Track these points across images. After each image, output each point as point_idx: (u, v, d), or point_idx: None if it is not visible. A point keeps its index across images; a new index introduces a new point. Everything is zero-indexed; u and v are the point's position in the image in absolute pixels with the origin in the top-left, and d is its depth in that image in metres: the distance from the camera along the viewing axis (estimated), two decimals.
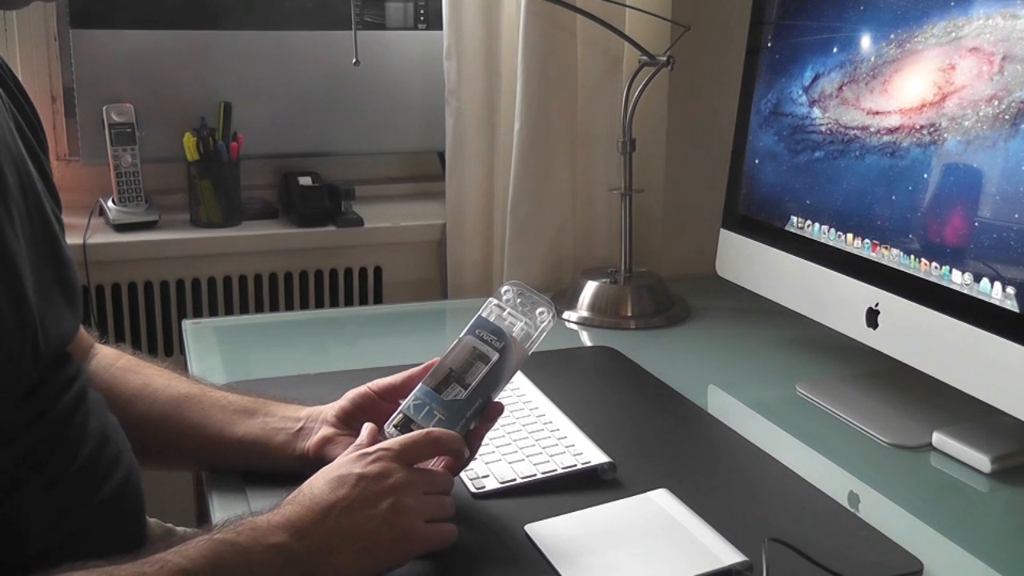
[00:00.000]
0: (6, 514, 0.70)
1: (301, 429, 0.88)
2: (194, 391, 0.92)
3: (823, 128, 1.12)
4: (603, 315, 1.39)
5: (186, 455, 0.92)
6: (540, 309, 0.85)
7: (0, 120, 0.75)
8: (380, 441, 0.79)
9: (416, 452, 0.78)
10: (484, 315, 0.85)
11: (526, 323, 0.84)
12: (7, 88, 0.83)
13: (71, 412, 0.77)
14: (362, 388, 0.89)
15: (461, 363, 0.83)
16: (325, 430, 0.87)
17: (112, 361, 0.95)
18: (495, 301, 0.86)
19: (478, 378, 0.82)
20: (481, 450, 0.92)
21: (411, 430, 0.80)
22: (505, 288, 0.86)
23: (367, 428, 0.82)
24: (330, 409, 0.89)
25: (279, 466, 0.87)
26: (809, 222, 1.14)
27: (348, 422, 0.88)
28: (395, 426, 0.82)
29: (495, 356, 0.83)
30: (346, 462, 0.76)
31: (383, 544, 0.72)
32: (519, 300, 0.86)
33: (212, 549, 0.66)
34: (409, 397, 0.84)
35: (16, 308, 0.69)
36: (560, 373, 1.15)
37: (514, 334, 0.84)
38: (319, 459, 0.84)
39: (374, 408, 0.87)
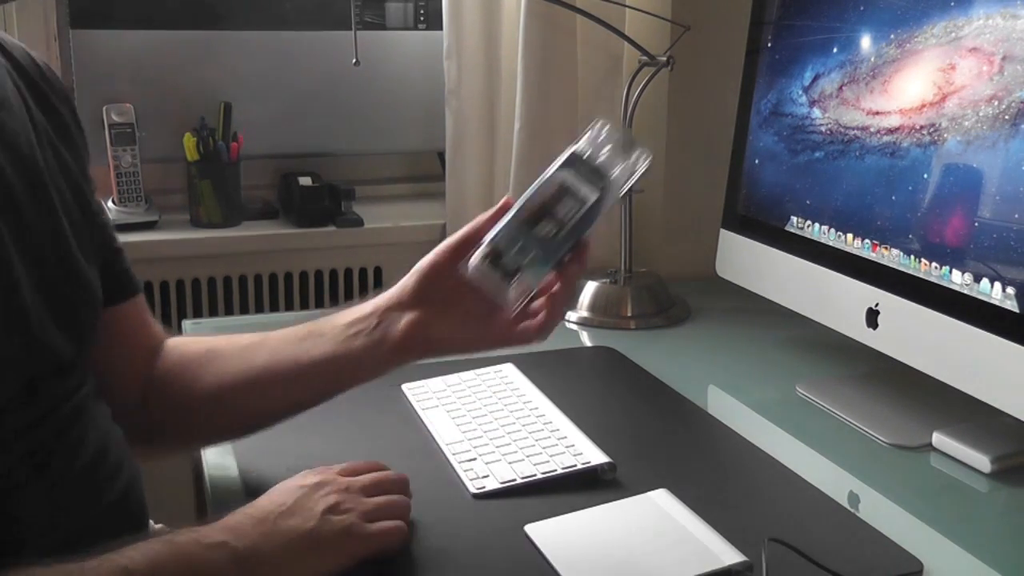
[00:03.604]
0: (5, 516, 0.70)
1: (378, 325, 0.83)
2: (256, 339, 0.89)
3: (823, 128, 1.12)
4: (603, 315, 1.39)
5: (269, 400, 0.87)
6: (637, 150, 0.78)
7: (15, 127, 0.73)
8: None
9: (367, 479, 0.80)
10: (579, 151, 0.78)
11: (623, 163, 0.78)
12: (36, 91, 0.80)
13: (68, 423, 0.76)
14: (428, 259, 0.83)
15: (555, 200, 0.77)
16: (410, 315, 0.82)
17: (176, 345, 0.93)
18: (589, 137, 0.79)
19: (575, 217, 0.76)
20: (481, 450, 0.93)
21: (500, 265, 0.75)
22: (599, 126, 0.79)
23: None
24: (401, 293, 0.83)
25: (373, 371, 0.84)
26: (809, 222, 1.14)
27: (425, 298, 0.82)
28: (484, 258, 0.76)
29: (593, 195, 0.77)
30: (289, 481, 0.78)
31: (323, 544, 0.73)
32: (613, 139, 0.79)
33: (151, 547, 0.67)
34: (499, 229, 0.77)
35: (6, 319, 0.68)
36: (560, 373, 1.15)
37: (613, 174, 0.77)
38: (413, 346, 0.82)
39: (449, 272, 0.82)
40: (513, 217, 0.77)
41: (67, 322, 0.75)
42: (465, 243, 0.81)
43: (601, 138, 0.79)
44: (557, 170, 0.78)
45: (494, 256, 0.76)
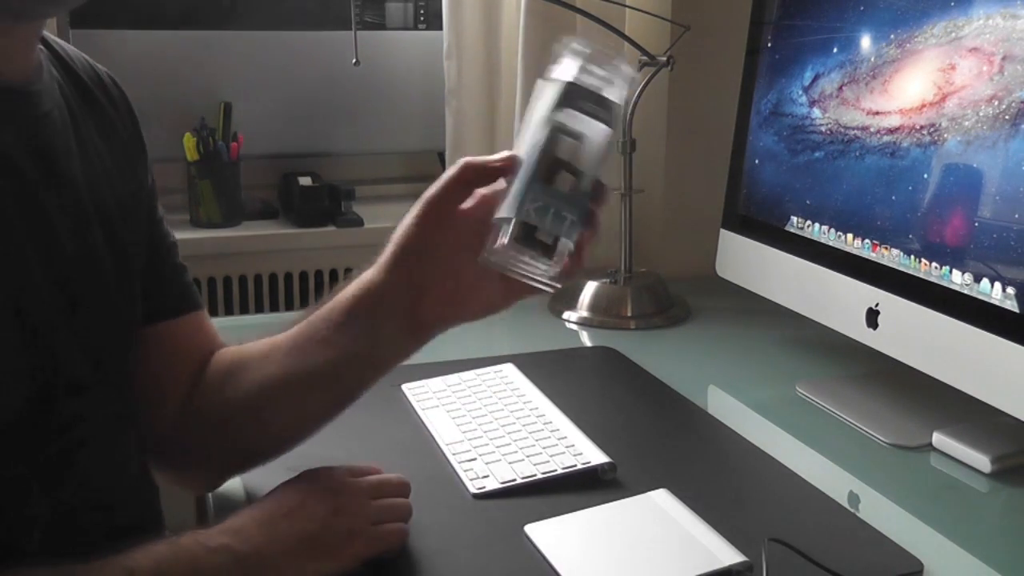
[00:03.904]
0: (16, 520, 0.70)
1: (376, 318, 0.75)
2: (271, 345, 0.82)
3: (823, 128, 1.12)
4: (603, 315, 1.39)
5: (294, 410, 0.81)
6: (619, 64, 0.69)
7: (51, 140, 0.71)
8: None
9: (368, 481, 0.80)
10: (575, 80, 0.69)
11: (619, 82, 0.69)
12: (92, 104, 0.79)
13: (84, 443, 0.74)
14: (408, 229, 0.74)
15: (566, 146, 0.67)
16: (412, 301, 0.75)
17: (217, 357, 0.88)
18: (572, 65, 0.70)
19: (590, 158, 0.67)
20: (481, 450, 0.93)
21: (535, 240, 0.65)
22: (574, 46, 0.70)
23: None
24: (395, 275, 0.75)
25: (389, 362, 0.78)
26: (809, 222, 1.14)
27: (425, 276, 0.74)
28: (515, 240, 0.64)
29: (602, 128, 0.67)
30: (292, 483, 0.78)
31: (326, 545, 0.73)
32: (595, 58, 0.69)
33: (155, 550, 0.67)
34: (518, 198, 0.65)
35: (12, 327, 0.67)
36: (560, 373, 1.15)
37: (612, 98, 0.68)
38: (428, 328, 0.77)
39: (441, 236, 0.72)
40: (529, 181, 0.66)
41: (86, 341, 0.73)
42: (447, 195, 0.72)
43: (584, 61, 0.69)
44: (554, 111, 0.68)
45: (526, 231, 0.65)
